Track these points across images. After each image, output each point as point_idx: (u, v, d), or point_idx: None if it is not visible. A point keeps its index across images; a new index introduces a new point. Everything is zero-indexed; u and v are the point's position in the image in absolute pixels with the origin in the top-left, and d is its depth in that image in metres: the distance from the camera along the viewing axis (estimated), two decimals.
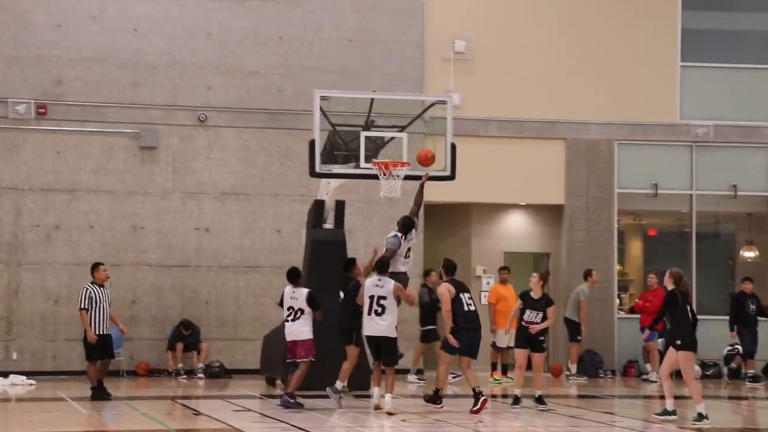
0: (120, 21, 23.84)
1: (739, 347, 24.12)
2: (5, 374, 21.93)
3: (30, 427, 16.02)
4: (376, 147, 18.93)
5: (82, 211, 23.57)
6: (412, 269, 18.96)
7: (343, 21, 24.59)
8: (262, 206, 24.20)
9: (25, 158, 23.46)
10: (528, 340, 17.87)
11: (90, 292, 18.75)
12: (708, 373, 24.46)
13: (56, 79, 23.53)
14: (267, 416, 16.98)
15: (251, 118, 24.23)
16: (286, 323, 17.64)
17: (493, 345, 22.92)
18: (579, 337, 23.89)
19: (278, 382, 20.40)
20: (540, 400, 17.82)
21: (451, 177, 19.21)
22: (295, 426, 15.43)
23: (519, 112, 25.09)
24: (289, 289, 17.68)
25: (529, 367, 17.97)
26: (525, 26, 25.30)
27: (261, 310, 23.77)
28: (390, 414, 16.57)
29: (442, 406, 17.28)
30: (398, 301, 17.21)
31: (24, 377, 21.85)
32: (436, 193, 23.22)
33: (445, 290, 17.18)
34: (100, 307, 18.70)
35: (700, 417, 16.10)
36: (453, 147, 19.08)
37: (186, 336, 23.34)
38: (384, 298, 16.96)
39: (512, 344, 20.32)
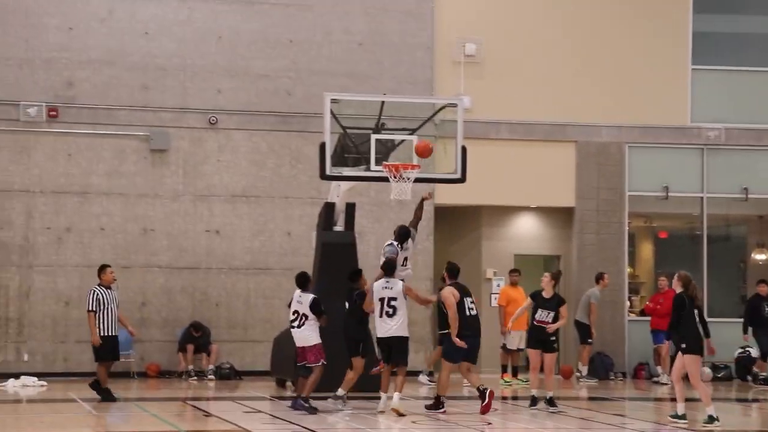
0: (129, 23, 23.86)
1: (750, 350, 24.10)
2: (17, 375, 21.97)
3: (41, 428, 16.07)
4: (386, 150, 18.88)
5: (93, 213, 23.59)
6: (411, 276, 19.02)
7: (353, 24, 24.59)
8: (273, 209, 24.20)
9: (36, 161, 23.50)
10: (539, 340, 17.85)
11: (97, 294, 18.80)
12: (719, 375, 24.44)
13: (67, 81, 23.56)
14: (277, 418, 16.99)
15: (261, 120, 24.24)
16: (291, 328, 17.64)
17: (504, 347, 22.90)
18: (590, 340, 23.87)
19: (288, 383, 20.41)
20: (551, 401, 17.80)
21: (462, 180, 19.13)
22: (305, 428, 15.44)
23: (529, 115, 25.07)
24: (297, 293, 17.70)
25: (540, 368, 17.96)
26: (535, 29, 25.28)
27: (271, 311, 23.76)
28: (400, 414, 16.58)
29: (444, 411, 17.21)
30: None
31: (35, 379, 21.88)
32: (446, 195, 23.28)
33: (449, 294, 17.15)
34: (107, 308, 18.75)
35: (711, 419, 16.08)
36: (464, 150, 19.01)
37: (196, 338, 23.36)
38: (394, 299, 17.04)
39: (522, 346, 20.28)
